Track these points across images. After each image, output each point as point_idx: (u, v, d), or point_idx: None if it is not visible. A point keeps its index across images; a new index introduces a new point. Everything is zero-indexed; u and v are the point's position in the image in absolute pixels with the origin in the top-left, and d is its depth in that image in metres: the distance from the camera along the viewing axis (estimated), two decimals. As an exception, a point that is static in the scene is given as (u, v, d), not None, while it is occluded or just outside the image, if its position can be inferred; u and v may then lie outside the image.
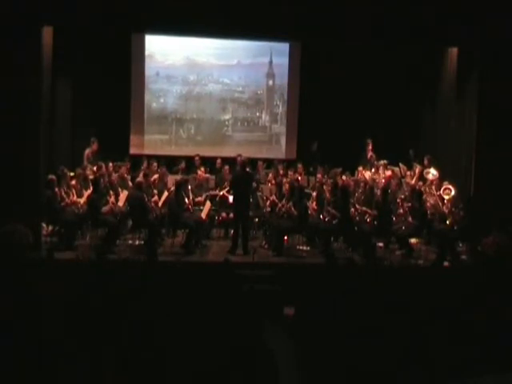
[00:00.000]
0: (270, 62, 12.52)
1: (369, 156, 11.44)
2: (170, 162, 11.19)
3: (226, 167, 10.68)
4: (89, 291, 5.12)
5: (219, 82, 12.47)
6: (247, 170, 9.49)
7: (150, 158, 11.23)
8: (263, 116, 12.73)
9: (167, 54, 12.30)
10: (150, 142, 12.43)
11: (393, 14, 9.17)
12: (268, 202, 9.55)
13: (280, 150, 12.81)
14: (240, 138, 12.68)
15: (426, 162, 10.71)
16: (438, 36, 9.50)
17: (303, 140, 12.37)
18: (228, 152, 11.71)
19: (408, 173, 10.87)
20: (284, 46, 12.48)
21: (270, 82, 12.64)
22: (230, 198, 9.88)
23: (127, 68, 12.03)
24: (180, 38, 12.04)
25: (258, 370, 3.82)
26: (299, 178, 10.56)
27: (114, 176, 9.92)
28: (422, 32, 9.34)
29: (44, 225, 9.11)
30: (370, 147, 11.55)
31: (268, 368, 3.85)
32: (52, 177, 9.00)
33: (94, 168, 10.16)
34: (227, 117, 12.64)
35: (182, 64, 12.34)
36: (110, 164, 10.22)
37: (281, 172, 10.82)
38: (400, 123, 11.77)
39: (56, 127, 10.84)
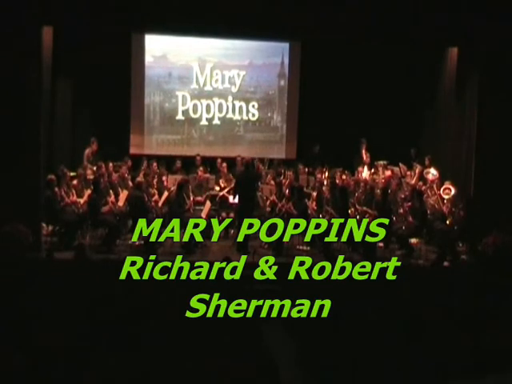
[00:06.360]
0: (282, 63, 12.49)
1: (365, 157, 11.43)
2: (170, 162, 11.18)
3: (224, 165, 10.68)
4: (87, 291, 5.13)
5: (231, 83, 12.46)
6: (251, 169, 9.48)
7: (149, 157, 11.23)
8: (275, 116, 12.69)
9: (179, 54, 12.25)
10: (163, 142, 12.41)
11: (393, 14, 9.17)
12: (268, 202, 9.54)
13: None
14: (251, 138, 12.65)
15: (426, 161, 10.71)
16: (438, 36, 9.50)
17: (304, 140, 12.35)
18: (239, 152, 11.58)
19: (408, 173, 10.87)
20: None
21: (282, 83, 12.59)
22: (230, 198, 9.88)
23: (127, 68, 12.01)
24: (192, 39, 12.00)
25: (258, 370, 3.82)
26: (299, 177, 10.55)
27: (115, 176, 9.92)
28: (422, 32, 9.34)
29: (44, 225, 9.11)
30: (365, 147, 11.55)
31: (268, 368, 3.86)
32: (52, 177, 9.00)
33: (94, 168, 10.15)
34: (239, 117, 12.64)
35: (195, 64, 12.33)
36: (110, 164, 10.21)
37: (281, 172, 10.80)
38: (400, 123, 11.77)
39: (56, 127, 10.84)
